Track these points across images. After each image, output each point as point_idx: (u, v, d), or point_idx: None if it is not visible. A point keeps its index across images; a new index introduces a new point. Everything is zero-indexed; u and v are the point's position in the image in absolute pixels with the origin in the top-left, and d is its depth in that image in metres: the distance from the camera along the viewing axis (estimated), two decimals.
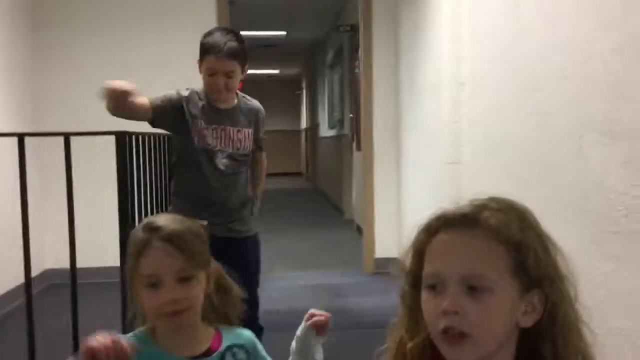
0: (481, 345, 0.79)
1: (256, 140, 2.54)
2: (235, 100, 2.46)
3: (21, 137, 2.42)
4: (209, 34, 2.37)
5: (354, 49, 6.33)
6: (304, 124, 14.67)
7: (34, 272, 2.66)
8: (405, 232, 4.41)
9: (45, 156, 3.98)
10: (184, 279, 1.12)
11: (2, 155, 3.38)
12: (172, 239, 1.13)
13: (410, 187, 4.52)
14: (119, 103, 2.09)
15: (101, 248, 3.30)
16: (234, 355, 1.21)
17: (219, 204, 2.38)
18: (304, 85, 14.46)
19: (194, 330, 1.18)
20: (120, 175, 2.42)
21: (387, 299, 3.57)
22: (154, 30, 4.58)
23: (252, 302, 2.14)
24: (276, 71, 14.23)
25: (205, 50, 2.32)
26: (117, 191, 2.43)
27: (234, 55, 2.30)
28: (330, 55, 9.43)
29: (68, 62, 4.51)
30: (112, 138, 2.43)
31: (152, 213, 2.78)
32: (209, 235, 1.25)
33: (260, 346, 1.28)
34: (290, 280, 4.60)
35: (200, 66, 2.36)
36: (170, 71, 4.07)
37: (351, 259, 5.25)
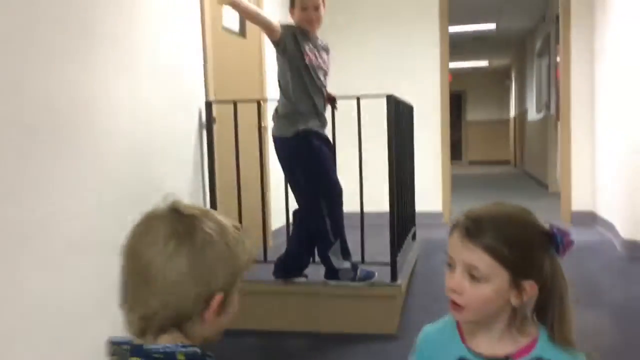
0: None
1: None
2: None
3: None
4: None
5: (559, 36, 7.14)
6: (512, 112, 15.21)
7: None
8: (598, 190, 5.29)
9: None
10: (474, 277, 1.03)
11: None
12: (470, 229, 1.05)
13: (604, 151, 5.32)
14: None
15: None
16: None
17: (323, 114, 3.08)
18: (512, 75, 15.00)
19: (492, 330, 1.07)
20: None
21: (580, 237, 4.77)
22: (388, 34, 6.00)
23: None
24: (485, 63, 14.99)
25: None
26: None
27: None
28: (538, 44, 10.12)
29: None
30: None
31: None
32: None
33: None
34: None
35: (292, 7, 2.99)
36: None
37: (553, 213, 6.12)
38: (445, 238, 1.14)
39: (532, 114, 10.95)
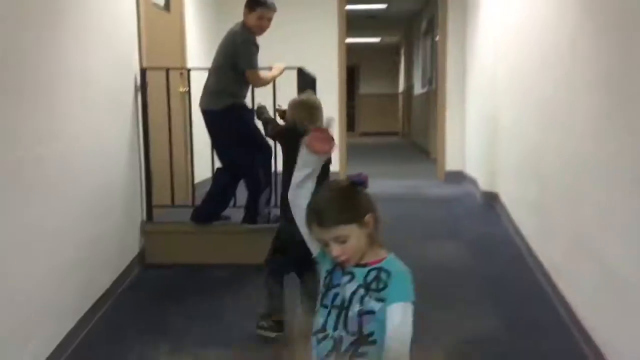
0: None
1: None
2: None
3: None
4: None
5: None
6: (401, 87, 16.43)
7: None
8: (466, 153, 6.37)
9: None
10: (341, 241, 1.46)
11: None
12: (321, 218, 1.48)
13: (470, 120, 6.38)
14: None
15: None
16: (378, 272, 1.46)
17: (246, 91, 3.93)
18: (402, 52, 16.17)
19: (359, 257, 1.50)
20: None
21: (450, 191, 5.78)
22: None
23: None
24: (377, 39, 16.03)
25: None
26: None
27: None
28: (424, 25, 11.20)
29: None
30: None
31: None
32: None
33: (403, 278, 1.47)
34: (388, 183, 6.66)
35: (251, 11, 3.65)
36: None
37: (431, 175, 7.23)
38: None
39: (418, 89, 12.09)
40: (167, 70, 4.04)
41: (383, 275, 1.46)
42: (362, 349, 1.43)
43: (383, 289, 1.45)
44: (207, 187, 4.09)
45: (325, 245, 1.50)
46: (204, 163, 4.29)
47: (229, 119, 3.73)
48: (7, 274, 2.29)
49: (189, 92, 4.22)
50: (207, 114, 3.78)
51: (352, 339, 1.44)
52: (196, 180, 4.40)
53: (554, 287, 3.23)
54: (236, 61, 3.67)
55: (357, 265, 1.50)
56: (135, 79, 3.90)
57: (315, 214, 1.49)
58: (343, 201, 1.50)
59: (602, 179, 2.54)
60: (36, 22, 2.57)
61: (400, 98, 16.40)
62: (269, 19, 3.73)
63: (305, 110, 2.83)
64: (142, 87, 3.90)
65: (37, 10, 2.58)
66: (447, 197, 6.02)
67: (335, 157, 6.77)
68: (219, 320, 3.14)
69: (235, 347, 2.80)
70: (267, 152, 3.87)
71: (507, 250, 4.14)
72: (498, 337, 2.87)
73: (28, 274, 2.46)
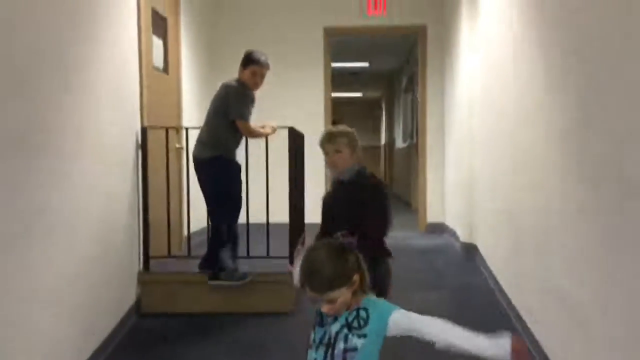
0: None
1: None
2: None
3: None
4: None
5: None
6: (383, 140, 16.90)
7: None
8: (446, 206, 6.66)
9: None
10: (331, 301, 1.66)
11: None
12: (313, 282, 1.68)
13: (450, 175, 6.71)
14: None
15: None
16: (357, 312, 1.68)
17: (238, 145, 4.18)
18: (383, 106, 16.72)
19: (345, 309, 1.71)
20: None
21: (432, 242, 6.06)
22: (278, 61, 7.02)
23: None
24: (359, 94, 16.60)
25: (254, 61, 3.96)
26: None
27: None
28: (404, 82, 11.70)
29: None
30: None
31: None
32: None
33: (379, 303, 1.72)
34: None
35: (245, 68, 3.95)
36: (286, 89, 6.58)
37: (413, 226, 7.49)
38: None
39: (399, 143, 12.52)
40: (167, 130, 4.31)
41: (362, 313, 1.69)
42: None
43: (364, 326, 1.67)
44: (202, 236, 4.28)
45: (318, 302, 1.70)
46: (200, 213, 4.51)
47: (214, 169, 3.93)
48: (15, 321, 2.47)
49: (186, 148, 4.47)
50: (195, 161, 4.04)
51: None
52: (192, 230, 4.61)
53: (527, 331, 3.46)
54: (227, 111, 3.88)
55: (332, 318, 1.72)
56: (137, 136, 4.15)
57: (308, 279, 1.68)
58: (334, 268, 1.67)
59: (568, 232, 2.82)
60: (55, 85, 2.83)
61: (383, 150, 16.85)
62: (262, 76, 3.98)
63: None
64: (143, 145, 4.15)
65: (56, 72, 2.84)
66: (429, 248, 6.28)
67: (318, 207, 7.03)
68: None
69: None
70: (236, 210, 4.07)
71: (486, 299, 4.37)
72: None
73: (34, 320, 2.63)
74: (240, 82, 3.99)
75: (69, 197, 2.99)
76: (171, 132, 4.54)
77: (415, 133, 9.66)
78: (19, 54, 2.48)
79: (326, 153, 2.69)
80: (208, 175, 3.99)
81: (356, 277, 1.70)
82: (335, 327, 1.69)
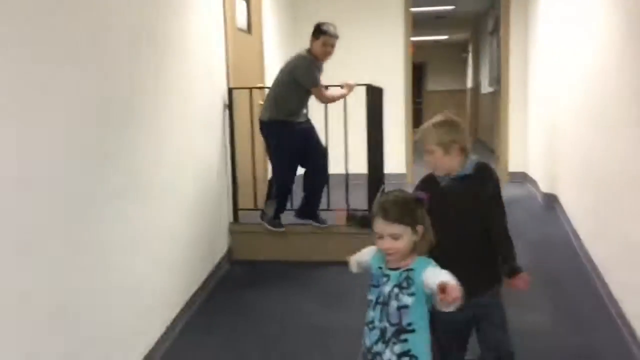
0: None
1: None
2: None
3: None
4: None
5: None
6: (469, 84, 16.47)
7: None
8: (530, 153, 6.57)
9: None
10: (395, 237, 1.79)
11: None
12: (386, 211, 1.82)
13: (533, 122, 6.57)
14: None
15: None
16: (407, 273, 1.79)
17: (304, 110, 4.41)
18: (470, 49, 16.20)
19: (401, 258, 1.83)
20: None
21: (513, 192, 6.17)
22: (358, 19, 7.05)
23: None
24: (445, 37, 16.15)
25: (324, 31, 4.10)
26: None
27: None
28: (490, 24, 11.29)
29: None
30: None
31: None
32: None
33: (425, 261, 1.81)
34: None
35: (316, 39, 4.10)
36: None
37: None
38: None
39: (485, 87, 12.19)
40: (251, 90, 4.55)
41: (411, 274, 1.79)
42: (402, 337, 1.78)
43: (412, 285, 1.79)
44: None
45: (379, 237, 1.83)
46: None
47: (272, 132, 4.23)
48: (134, 267, 2.83)
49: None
50: (260, 123, 4.31)
51: (394, 329, 1.79)
52: None
53: (604, 286, 3.50)
54: (296, 79, 4.10)
55: (392, 269, 1.84)
56: (224, 97, 4.41)
57: (383, 209, 1.82)
58: (406, 206, 1.83)
59: None
60: (152, 51, 3.09)
61: (468, 95, 16.45)
62: (332, 45, 4.16)
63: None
64: (230, 105, 4.41)
65: (154, 40, 3.10)
66: (511, 198, 6.26)
67: (402, 158, 7.13)
68: (298, 305, 3.63)
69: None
70: (320, 158, 4.31)
71: (564, 250, 4.40)
72: (549, 330, 3.19)
73: (137, 272, 2.96)
74: (310, 52, 4.16)
75: (165, 157, 3.28)
76: (255, 92, 4.77)
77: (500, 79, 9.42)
78: (123, 33, 2.73)
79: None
80: (267, 137, 4.30)
81: (420, 228, 1.82)
82: (387, 287, 1.83)
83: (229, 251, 4.48)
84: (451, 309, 1.61)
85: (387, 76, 6.53)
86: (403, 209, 1.81)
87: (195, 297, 3.71)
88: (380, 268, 1.88)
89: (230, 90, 4.43)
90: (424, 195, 1.89)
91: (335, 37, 4.17)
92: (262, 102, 5.07)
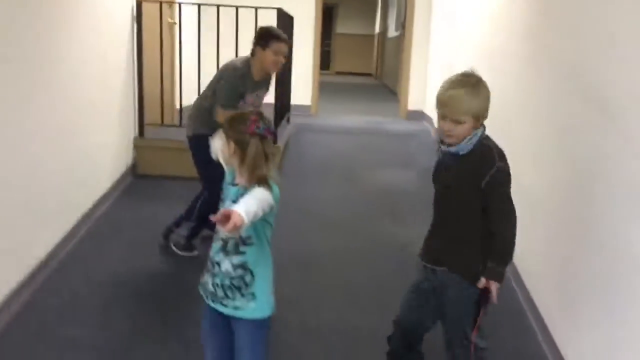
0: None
1: None
2: None
3: None
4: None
5: None
6: (377, 29, 16.78)
7: None
8: (428, 93, 7.00)
9: None
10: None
11: None
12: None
13: (433, 63, 6.98)
14: None
15: None
16: (244, 191, 1.72)
17: None
18: None
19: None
20: None
21: (409, 127, 6.49)
22: None
23: None
24: None
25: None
26: None
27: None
28: None
29: None
30: None
31: None
32: None
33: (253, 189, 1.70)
34: (355, 118, 7.32)
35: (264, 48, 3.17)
36: None
37: (394, 113, 7.88)
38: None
39: (392, 32, 12.55)
40: (161, 4, 4.52)
41: (244, 193, 1.72)
42: (241, 249, 1.81)
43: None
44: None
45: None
46: (192, 89, 4.80)
47: (198, 147, 3.24)
48: (36, 169, 2.87)
49: (179, 23, 4.70)
50: (186, 138, 3.53)
51: (233, 241, 1.80)
52: (183, 104, 4.94)
53: None
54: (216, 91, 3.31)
55: (232, 184, 1.83)
56: (132, 10, 4.37)
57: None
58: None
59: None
60: None
61: (376, 40, 16.78)
62: (284, 54, 3.35)
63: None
64: (138, 18, 4.38)
65: None
66: (405, 132, 6.70)
67: (308, 92, 7.35)
68: None
69: None
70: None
71: None
72: None
73: (49, 169, 3.03)
74: (251, 62, 3.32)
75: (70, 50, 3.27)
76: (165, 6, 4.73)
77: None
78: None
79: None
80: (192, 153, 3.50)
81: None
82: (228, 202, 1.82)
83: (134, 165, 4.53)
84: (230, 235, 1.72)
85: (297, 13, 6.54)
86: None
87: (98, 205, 3.78)
88: (228, 183, 1.91)
89: (139, 3, 4.38)
90: None
91: (288, 42, 3.40)
92: (171, 20, 5.06)
